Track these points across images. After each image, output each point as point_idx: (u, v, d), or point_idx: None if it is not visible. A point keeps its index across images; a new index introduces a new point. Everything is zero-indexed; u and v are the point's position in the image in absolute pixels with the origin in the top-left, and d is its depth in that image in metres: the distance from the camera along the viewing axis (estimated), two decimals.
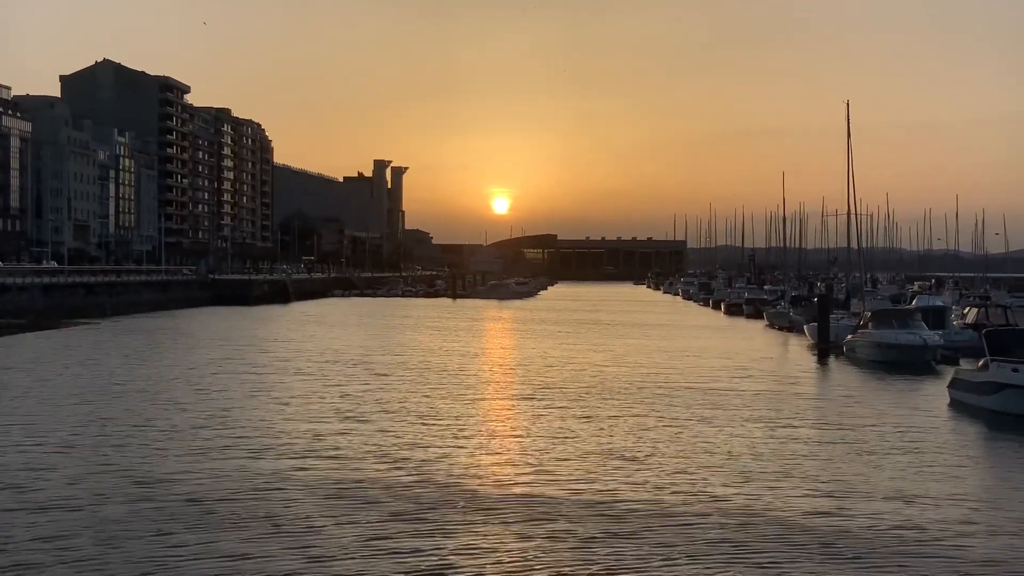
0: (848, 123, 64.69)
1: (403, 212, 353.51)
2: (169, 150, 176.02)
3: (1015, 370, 30.32)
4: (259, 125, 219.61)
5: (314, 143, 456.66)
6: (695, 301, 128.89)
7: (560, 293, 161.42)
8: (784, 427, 28.60)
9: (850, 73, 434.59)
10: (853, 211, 66.50)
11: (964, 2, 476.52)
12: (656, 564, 15.19)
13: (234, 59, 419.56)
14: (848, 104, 65.68)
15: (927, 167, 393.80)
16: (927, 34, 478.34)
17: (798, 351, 56.21)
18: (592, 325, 79.52)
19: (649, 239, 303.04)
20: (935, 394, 35.74)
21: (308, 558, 15.32)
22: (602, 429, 27.92)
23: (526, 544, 16.21)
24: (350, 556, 15.49)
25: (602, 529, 17.14)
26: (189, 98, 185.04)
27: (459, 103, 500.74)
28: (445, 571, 14.80)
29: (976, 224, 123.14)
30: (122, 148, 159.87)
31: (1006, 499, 20.13)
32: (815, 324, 56.61)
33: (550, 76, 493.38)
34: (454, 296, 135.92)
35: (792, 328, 68.69)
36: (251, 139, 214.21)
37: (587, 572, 14.84)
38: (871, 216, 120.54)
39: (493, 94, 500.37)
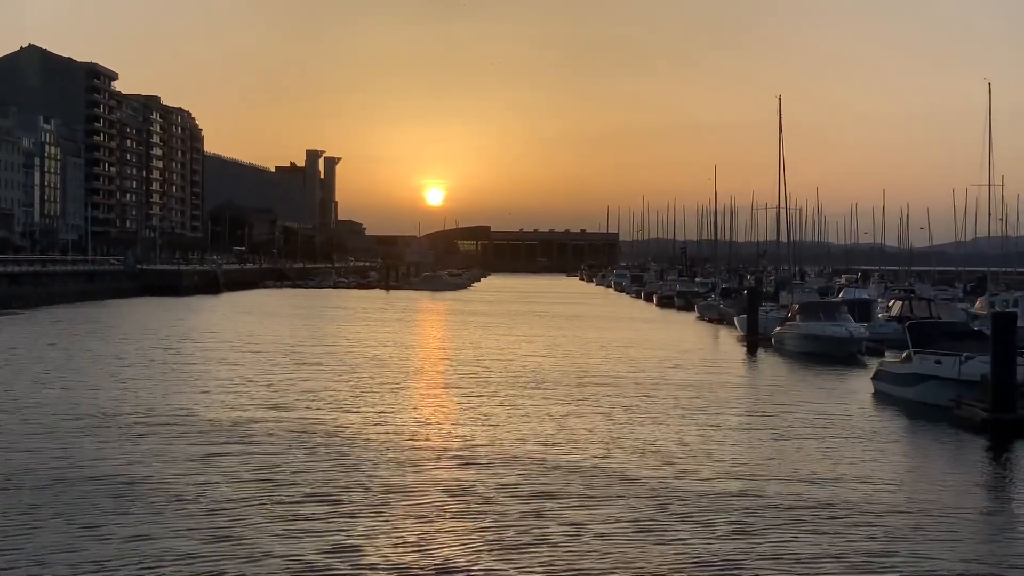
0: (780, 118, 65.61)
1: (336, 203, 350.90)
2: (96, 138, 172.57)
3: (937, 362, 30.87)
4: (189, 113, 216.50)
5: (246, 132, 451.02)
6: (627, 293, 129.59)
7: (493, 285, 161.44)
8: (710, 415, 29.04)
9: (782, 68, 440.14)
10: (783, 205, 67.49)
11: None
12: (564, 540, 15.76)
13: (164, 46, 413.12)
14: (780, 99, 66.51)
15: (855, 162, 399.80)
16: (857, 31, 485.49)
17: (728, 343, 56.84)
18: (525, 316, 79.60)
19: (582, 231, 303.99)
20: (860, 385, 36.33)
21: (216, 538, 15.61)
22: (528, 416, 28.17)
23: (438, 525, 16.68)
24: (259, 535, 15.76)
25: (515, 510, 17.62)
26: (117, 85, 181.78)
27: (394, 94, 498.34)
28: (353, 551, 15.10)
29: (901, 219, 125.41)
30: (48, 135, 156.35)
31: (917, 483, 20.85)
32: (745, 316, 57.30)
33: (485, 68, 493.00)
34: (387, 287, 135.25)
35: (722, 320, 69.42)
36: (181, 127, 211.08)
37: (498, 548, 15.33)
38: (800, 210, 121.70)
39: (429, 86, 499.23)
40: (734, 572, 14.51)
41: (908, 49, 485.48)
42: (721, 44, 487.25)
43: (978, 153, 52.99)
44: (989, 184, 57.94)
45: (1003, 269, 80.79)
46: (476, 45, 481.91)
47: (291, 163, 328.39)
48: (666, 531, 16.45)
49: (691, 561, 14.90)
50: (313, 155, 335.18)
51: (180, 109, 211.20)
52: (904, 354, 33.35)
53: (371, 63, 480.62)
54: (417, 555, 15.03)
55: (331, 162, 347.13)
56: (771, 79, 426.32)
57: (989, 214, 67.22)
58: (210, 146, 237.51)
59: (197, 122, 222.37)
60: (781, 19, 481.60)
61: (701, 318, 77.03)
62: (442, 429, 26.18)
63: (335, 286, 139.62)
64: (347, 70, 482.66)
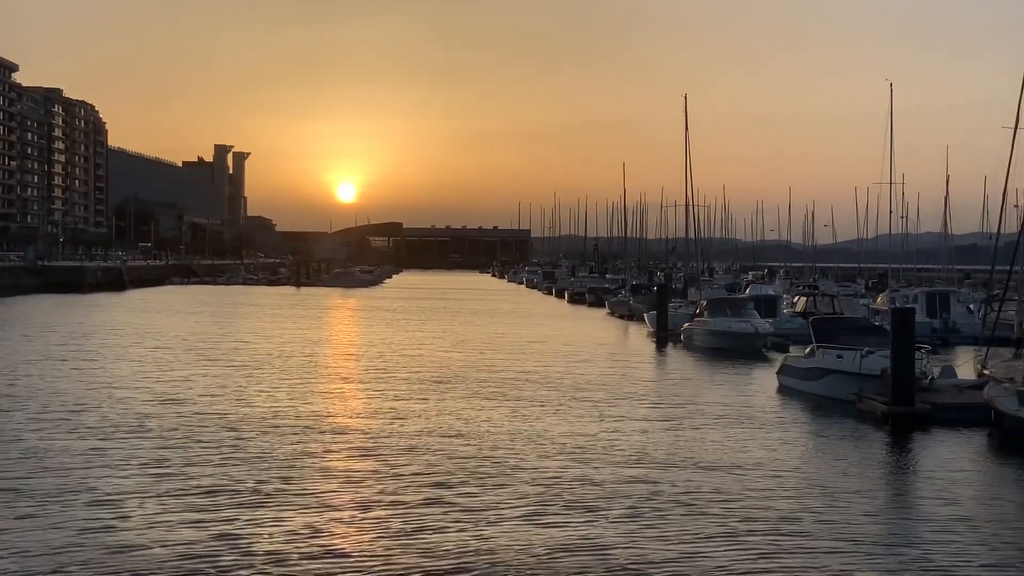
0: (686, 116, 66.21)
1: (245, 198, 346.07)
2: None
3: (839, 356, 31.52)
4: (92, 107, 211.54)
5: (152, 126, 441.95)
6: (539, 290, 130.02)
7: (406, 281, 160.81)
8: (615, 408, 29.38)
9: (688, 67, 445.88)
10: (691, 202, 68.25)
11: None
12: (455, 527, 16.11)
13: (67, 38, 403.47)
14: (686, 98, 67.12)
15: (761, 160, 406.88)
16: (763, 31, 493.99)
17: (637, 338, 57.34)
18: (436, 313, 79.36)
19: (495, 228, 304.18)
20: (764, 379, 36.91)
21: (96, 529, 15.62)
22: (432, 410, 28.26)
23: (331, 514, 16.83)
24: (141, 526, 15.80)
25: (409, 499, 17.88)
26: (17, 77, 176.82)
27: (304, 90, 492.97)
28: (241, 540, 15.19)
29: (806, 216, 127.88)
30: None
31: (813, 470, 21.40)
32: (654, 312, 57.89)
33: (396, 65, 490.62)
34: (298, 284, 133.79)
35: (632, 316, 70.00)
36: (84, 121, 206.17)
37: (388, 535, 15.61)
38: (708, 207, 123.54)
39: (339, 82, 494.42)
40: (617, 552, 14.88)
41: (812, 50, 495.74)
42: (629, 42, 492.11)
43: (880, 152, 54.06)
44: (890, 183, 59.42)
45: (903, 266, 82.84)
46: (391, 42, 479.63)
47: (199, 158, 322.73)
48: (556, 516, 16.87)
49: (574, 544, 15.26)
50: (221, 150, 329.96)
51: (83, 102, 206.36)
52: (807, 349, 33.99)
53: (282, 57, 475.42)
54: (306, 543, 15.12)
55: (240, 157, 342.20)
56: (678, 77, 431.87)
57: (890, 212, 68.92)
58: (114, 140, 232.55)
59: (101, 115, 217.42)
60: (688, 18, 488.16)
61: (611, 314, 77.56)
62: (343, 422, 26.30)
63: (244, 283, 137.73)
64: (257, 64, 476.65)
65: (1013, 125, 32.71)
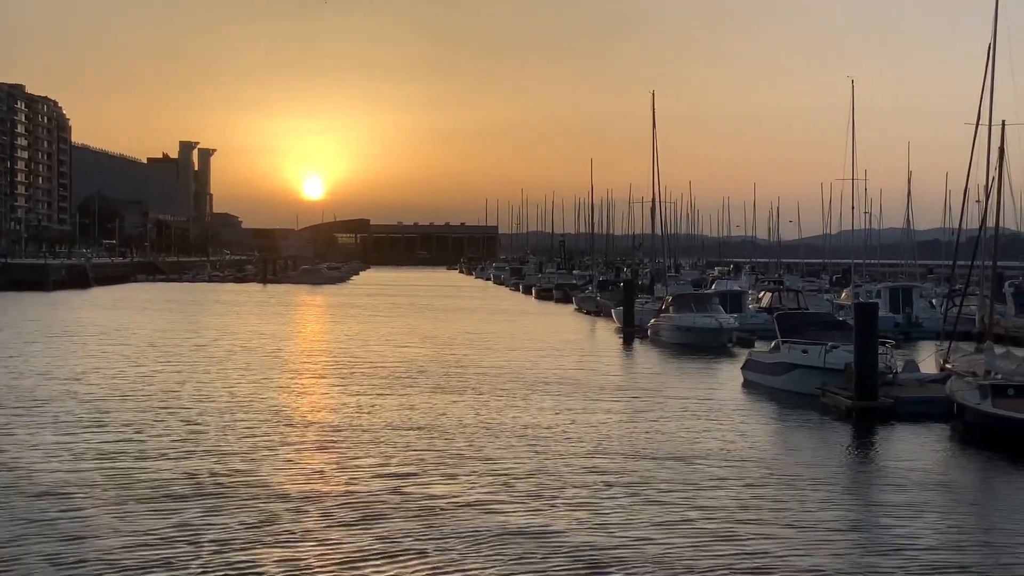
0: (653, 113, 66.46)
1: (211, 195, 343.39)
2: None
3: (804, 351, 31.79)
4: (56, 103, 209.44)
5: (117, 123, 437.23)
6: (506, 286, 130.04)
7: (373, 278, 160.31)
8: (580, 402, 29.55)
9: (655, 64, 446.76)
10: (658, 199, 68.57)
11: None
12: (410, 516, 16.30)
13: (29, 34, 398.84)
14: (653, 94, 67.34)
15: (727, 157, 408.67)
16: (728, 28, 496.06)
17: (605, 334, 57.51)
18: (404, 309, 79.22)
19: (462, 224, 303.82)
20: (730, 374, 37.13)
21: (40, 521, 15.66)
22: (397, 404, 28.26)
23: (289, 504, 16.93)
24: (87, 520, 15.81)
25: (367, 488, 18.13)
26: None
27: (271, 86, 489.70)
28: (192, 532, 15.21)
29: (771, 212, 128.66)
30: None
31: (773, 461, 21.63)
32: (621, 308, 58.06)
33: (363, 61, 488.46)
34: (264, 281, 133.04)
35: (600, 312, 70.16)
36: (47, 117, 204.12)
37: (343, 524, 15.83)
38: (675, 203, 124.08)
39: (305, 78, 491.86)
40: (566, 539, 15.10)
41: (776, 47, 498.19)
42: (597, 38, 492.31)
43: (843, 148, 54.47)
44: (853, 178, 59.80)
45: (867, 261, 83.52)
46: (356, 38, 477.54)
47: (164, 154, 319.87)
48: (509, 505, 17.09)
49: (525, 531, 15.47)
50: (187, 146, 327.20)
51: (46, 98, 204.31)
52: (772, 344, 34.24)
53: (248, 54, 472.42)
54: (260, 533, 15.25)
55: (205, 153, 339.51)
56: (645, 74, 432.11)
57: (853, 207, 69.36)
58: (78, 136, 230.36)
59: (65, 112, 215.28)
60: (655, 15, 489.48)
61: (579, 310, 77.74)
62: (304, 416, 26.38)
63: (210, 280, 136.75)
64: (223, 60, 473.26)
65: (974, 122, 33.12)
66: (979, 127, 32.99)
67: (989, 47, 32.13)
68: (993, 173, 32.66)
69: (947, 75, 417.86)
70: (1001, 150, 32.64)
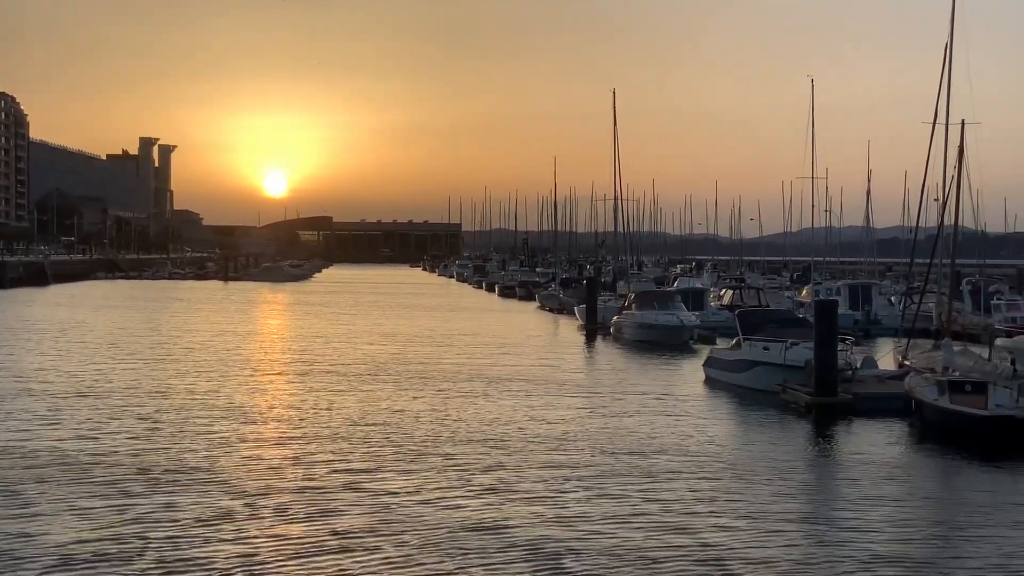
0: (614, 111, 66.61)
1: (171, 192, 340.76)
2: None
3: (765, 348, 31.94)
4: (13, 98, 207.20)
5: (75, 119, 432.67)
6: (470, 283, 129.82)
7: (335, 276, 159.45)
8: (541, 398, 29.56)
9: (617, 62, 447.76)
10: (620, 196, 68.71)
11: None
12: (371, 508, 16.44)
13: None
14: (614, 92, 67.42)
15: (689, 155, 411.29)
16: (689, 26, 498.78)
17: (567, 331, 57.55)
18: (366, 307, 78.84)
19: (425, 222, 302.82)
20: (692, 371, 37.23)
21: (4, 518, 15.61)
22: (357, 401, 28.17)
23: (245, 499, 16.94)
24: (56, 513, 15.82)
25: (327, 484, 18.16)
26: None
27: (232, 82, 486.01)
28: (155, 524, 15.28)
29: (733, 210, 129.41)
30: None
31: (731, 455, 21.85)
32: (584, 306, 58.15)
33: (327, 57, 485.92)
34: (225, 279, 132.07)
35: (563, 309, 70.24)
36: (5, 113, 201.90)
37: (303, 517, 15.88)
38: (637, 201, 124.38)
39: (269, 74, 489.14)
40: (520, 532, 15.19)
41: (738, 46, 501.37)
42: (558, 36, 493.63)
43: (804, 147, 54.86)
44: (813, 177, 60.07)
45: (827, 259, 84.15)
46: (317, 35, 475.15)
47: (123, 151, 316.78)
48: (464, 499, 17.17)
49: (479, 524, 15.56)
50: (147, 143, 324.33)
51: (4, 94, 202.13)
52: (734, 341, 34.36)
53: (209, 50, 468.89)
54: (215, 527, 15.24)
55: (166, 150, 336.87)
56: (606, 72, 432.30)
57: (813, 206, 69.80)
58: (36, 132, 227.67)
59: (22, 108, 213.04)
60: (616, 12, 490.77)
61: (542, 308, 77.78)
62: (262, 413, 26.33)
63: (171, 277, 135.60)
64: (183, 56, 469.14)
65: (932, 121, 33.38)
66: (936, 126, 33.27)
67: (946, 47, 32.40)
68: (952, 172, 32.90)
69: (906, 75, 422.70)
70: (960, 149, 32.86)
